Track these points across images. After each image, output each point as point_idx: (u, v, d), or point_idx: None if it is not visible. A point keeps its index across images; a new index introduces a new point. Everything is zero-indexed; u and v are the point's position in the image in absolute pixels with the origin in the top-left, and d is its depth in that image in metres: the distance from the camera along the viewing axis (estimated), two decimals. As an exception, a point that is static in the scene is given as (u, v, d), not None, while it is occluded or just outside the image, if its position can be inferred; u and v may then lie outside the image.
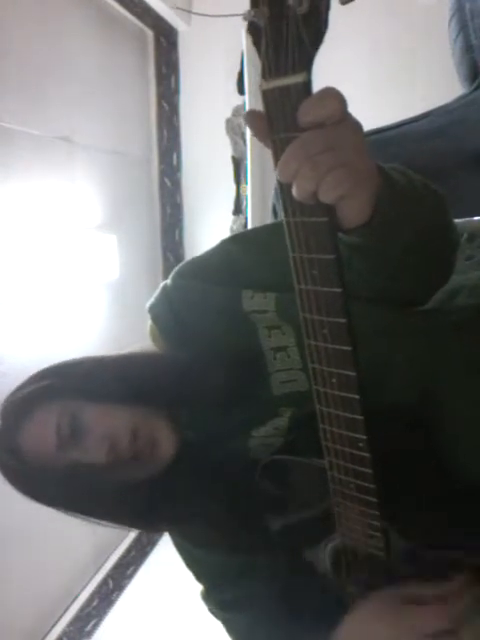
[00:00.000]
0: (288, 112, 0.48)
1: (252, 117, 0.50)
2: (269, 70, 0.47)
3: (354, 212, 0.55)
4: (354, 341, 0.56)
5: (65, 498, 0.78)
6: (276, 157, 0.50)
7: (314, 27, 0.44)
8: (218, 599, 0.87)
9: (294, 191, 0.49)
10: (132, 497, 0.77)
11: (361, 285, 0.69)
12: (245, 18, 0.46)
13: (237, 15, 0.47)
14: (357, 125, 0.51)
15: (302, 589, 0.81)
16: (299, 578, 0.81)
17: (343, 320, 0.54)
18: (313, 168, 0.48)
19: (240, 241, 0.85)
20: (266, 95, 0.48)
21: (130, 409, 0.77)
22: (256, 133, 0.51)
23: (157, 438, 0.77)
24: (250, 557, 0.85)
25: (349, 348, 0.56)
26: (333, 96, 0.47)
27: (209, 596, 0.88)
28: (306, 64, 0.46)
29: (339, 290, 0.53)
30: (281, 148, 0.49)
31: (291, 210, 0.52)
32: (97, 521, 0.80)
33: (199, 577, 0.89)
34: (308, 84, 0.47)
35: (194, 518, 0.84)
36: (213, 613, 0.90)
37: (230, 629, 0.88)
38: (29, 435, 0.77)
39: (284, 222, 0.53)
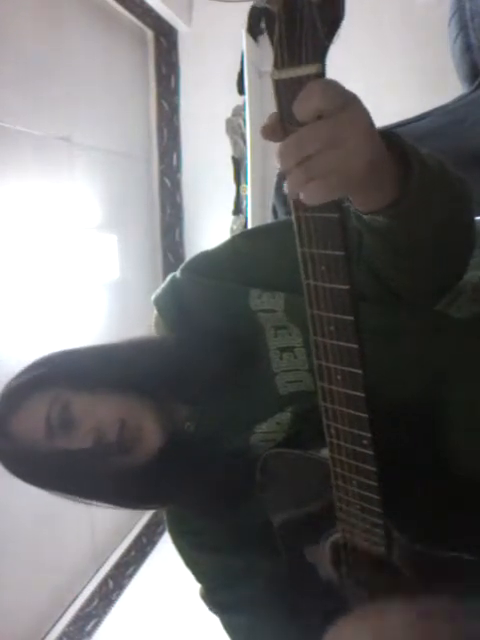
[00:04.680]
0: None
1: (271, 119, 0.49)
2: (281, 59, 0.45)
3: (370, 202, 0.54)
4: (361, 339, 0.55)
5: (56, 481, 0.79)
6: None
7: (330, 15, 0.42)
8: (217, 601, 0.87)
9: (285, 188, 0.49)
10: (125, 483, 0.78)
11: (367, 282, 0.69)
12: (257, 3, 0.44)
13: (249, 0, 0.45)
14: (359, 117, 0.48)
15: (302, 592, 0.81)
16: (299, 581, 0.81)
17: (350, 318, 0.54)
18: (304, 171, 0.47)
19: (251, 238, 0.84)
20: (278, 85, 0.47)
21: (120, 399, 0.78)
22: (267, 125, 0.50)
23: (143, 430, 0.77)
24: (250, 556, 0.84)
25: (356, 346, 0.55)
26: (319, 89, 0.45)
27: (208, 596, 0.88)
28: (320, 55, 0.44)
29: (347, 287, 0.52)
30: None
31: (300, 204, 0.50)
32: (92, 502, 0.81)
33: (198, 578, 0.89)
34: (322, 76, 0.45)
35: (192, 512, 0.85)
36: (212, 611, 0.90)
37: (229, 630, 0.88)
38: (21, 422, 0.78)
39: (293, 216, 0.52)
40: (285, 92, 0.46)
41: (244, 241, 0.83)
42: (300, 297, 0.57)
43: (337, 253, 0.51)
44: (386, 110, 1.66)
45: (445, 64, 1.60)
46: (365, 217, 0.59)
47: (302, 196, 0.48)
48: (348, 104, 0.46)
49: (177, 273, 0.85)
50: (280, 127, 0.49)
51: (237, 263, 0.81)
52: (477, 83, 1.49)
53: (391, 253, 0.65)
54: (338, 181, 0.47)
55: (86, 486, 0.79)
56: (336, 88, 0.46)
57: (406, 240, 0.62)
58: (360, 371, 0.56)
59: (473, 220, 0.69)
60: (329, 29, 0.43)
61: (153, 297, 0.86)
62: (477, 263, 1.04)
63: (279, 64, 0.45)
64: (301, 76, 0.45)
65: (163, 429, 0.78)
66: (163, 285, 0.86)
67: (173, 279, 0.85)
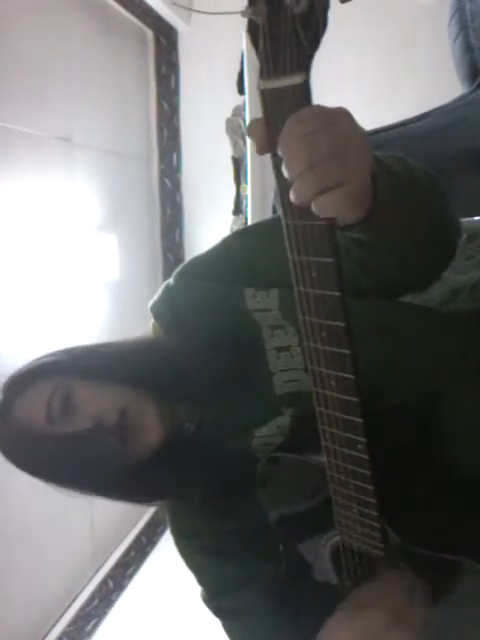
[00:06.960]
0: (287, 113, 0.47)
1: (253, 128, 0.50)
2: (267, 70, 0.46)
3: (348, 218, 0.54)
4: (353, 344, 0.55)
5: (55, 469, 0.79)
6: (275, 158, 0.49)
7: (312, 27, 0.43)
8: (217, 606, 0.88)
9: (292, 194, 0.49)
10: (123, 474, 0.78)
11: (361, 273, 0.69)
12: (243, 15, 0.45)
13: (236, 13, 0.46)
14: (353, 127, 0.49)
15: (302, 600, 0.81)
16: (299, 588, 0.81)
17: (341, 324, 0.54)
18: (316, 180, 0.47)
19: (241, 235, 0.85)
20: (264, 95, 0.47)
21: (123, 390, 0.78)
22: (257, 143, 0.50)
23: (144, 422, 0.77)
24: (251, 560, 0.84)
25: (348, 351, 0.55)
26: (298, 120, 0.46)
27: (209, 600, 0.89)
28: (304, 65, 0.45)
29: (337, 294, 0.52)
30: None
31: (290, 213, 0.51)
32: (90, 494, 0.81)
33: (200, 581, 0.90)
34: (306, 85, 0.46)
35: (192, 510, 0.85)
36: (214, 615, 0.90)
37: (230, 634, 0.88)
38: (22, 408, 0.78)
39: (283, 224, 0.53)
40: (272, 102, 0.47)
41: (233, 239, 0.84)
42: (293, 293, 0.57)
43: (327, 260, 0.51)
44: (386, 110, 1.66)
45: (445, 64, 1.60)
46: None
47: (314, 207, 0.48)
48: (336, 118, 0.47)
49: (171, 280, 0.86)
50: (269, 140, 0.49)
51: (229, 261, 0.82)
52: (477, 83, 1.48)
53: (366, 253, 0.66)
54: (346, 193, 0.48)
55: (84, 475, 0.78)
56: (315, 110, 0.47)
57: (380, 244, 0.63)
58: (353, 376, 0.56)
59: (449, 209, 0.68)
60: (312, 39, 0.44)
61: (149, 305, 0.87)
62: (476, 263, 1.04)
63: (265, 74, 0.46)
64: (286, 86, 0.46)
65: (164, 425, 0.78)
66: (158, 293, 0.87)
67: (167, 286, 0.86)
